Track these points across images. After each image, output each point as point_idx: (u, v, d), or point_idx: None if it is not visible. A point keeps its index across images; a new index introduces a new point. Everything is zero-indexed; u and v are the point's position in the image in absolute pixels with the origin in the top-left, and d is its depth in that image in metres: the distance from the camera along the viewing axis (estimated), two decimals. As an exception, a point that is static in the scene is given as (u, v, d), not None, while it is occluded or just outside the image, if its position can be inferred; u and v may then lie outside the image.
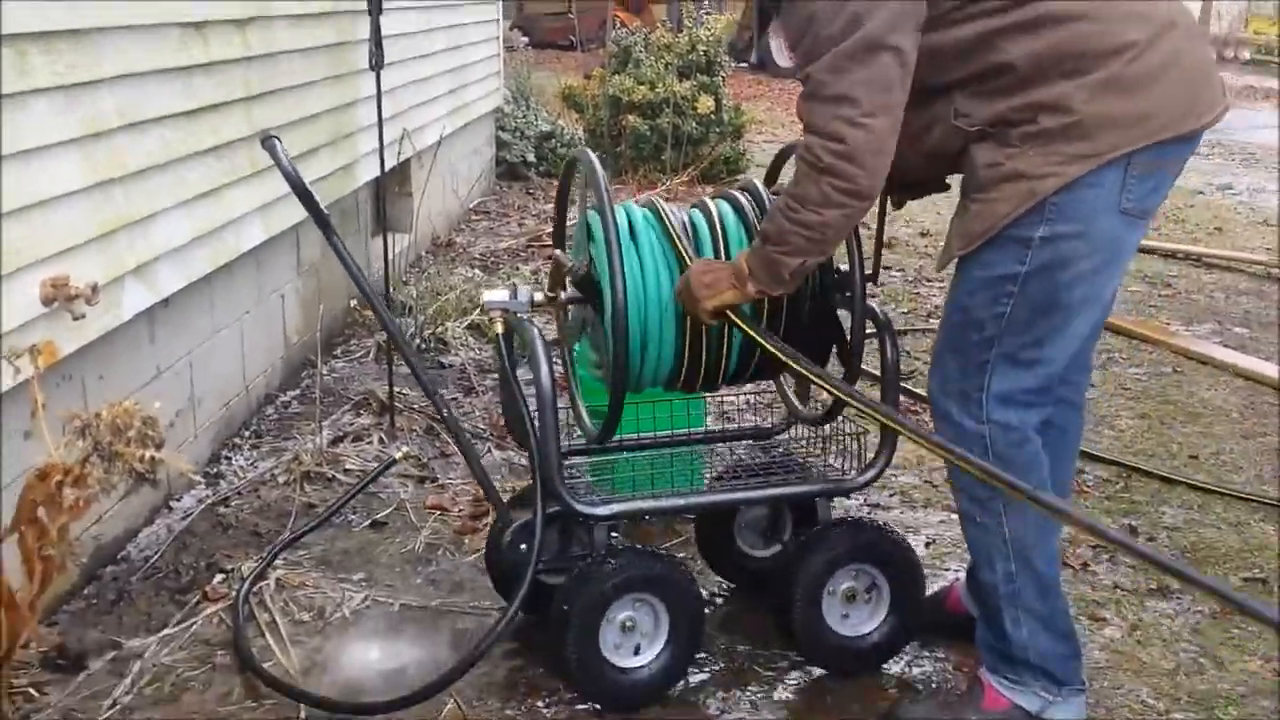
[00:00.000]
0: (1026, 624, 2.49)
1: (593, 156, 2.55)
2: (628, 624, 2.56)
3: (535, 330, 2.51)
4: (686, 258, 2.52)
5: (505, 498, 2.91)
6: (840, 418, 2.84)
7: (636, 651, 2.58)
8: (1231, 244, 7.82)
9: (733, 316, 2.47)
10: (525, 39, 18.02)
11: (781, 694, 2.71)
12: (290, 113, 4.28)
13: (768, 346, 2.47)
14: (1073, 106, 2.21)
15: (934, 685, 2.76)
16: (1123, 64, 2.20)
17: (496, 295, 2.57)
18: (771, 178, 2.92)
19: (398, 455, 3.32)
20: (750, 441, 3.09)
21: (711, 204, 2.69)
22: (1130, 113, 2.22)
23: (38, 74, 2.66)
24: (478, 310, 2.54)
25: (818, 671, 2.77)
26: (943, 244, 2.47)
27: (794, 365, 2.45)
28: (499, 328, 2.56)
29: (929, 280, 6.46)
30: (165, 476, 3.43)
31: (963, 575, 2.94)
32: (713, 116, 8.86)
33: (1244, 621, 3.09)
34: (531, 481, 2.66)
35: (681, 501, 2.70)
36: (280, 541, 3.17)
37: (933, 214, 7.63)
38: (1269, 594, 3.25)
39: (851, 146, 2.18)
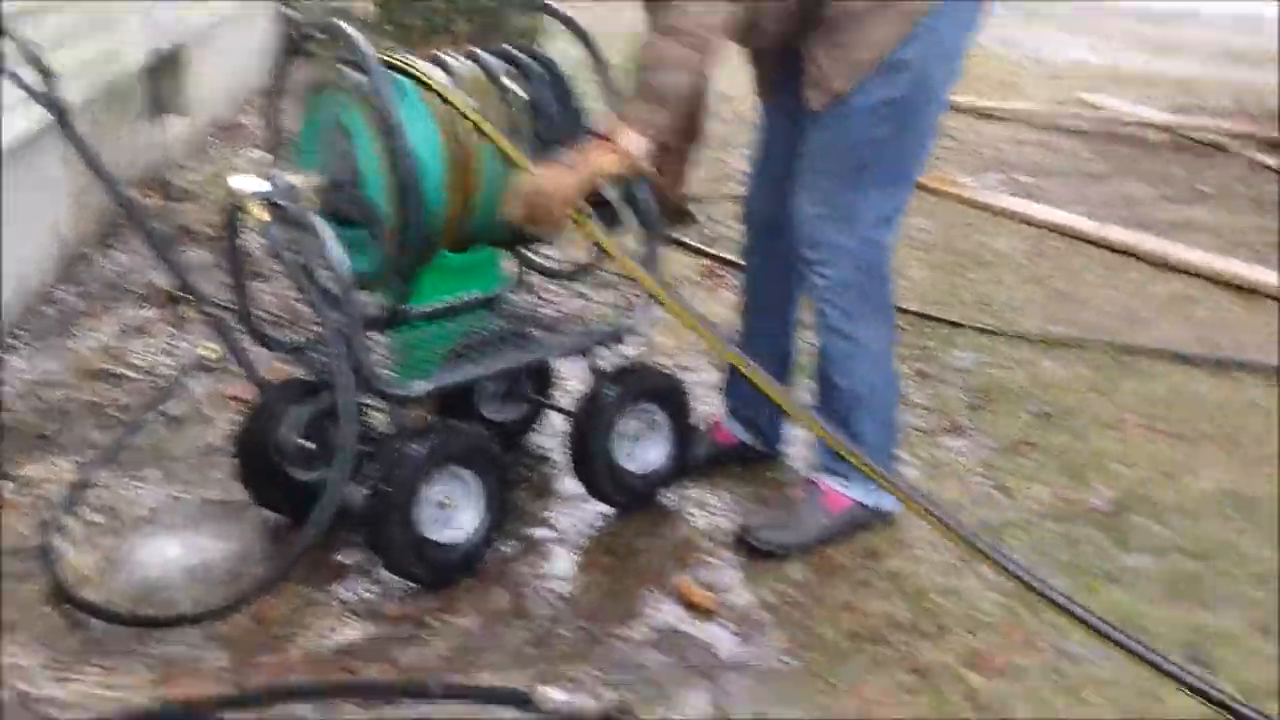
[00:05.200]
0: (876, 425, 2.69)
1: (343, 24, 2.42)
2: (443, 500, 2.52)
3: (321, 220, 2.39)
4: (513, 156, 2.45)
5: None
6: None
7: (451, 525, 2.55)
8: (1019, 97, 8.08)
9: (582, 217, 2.42)
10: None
11: (596, 556, 2.74)
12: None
13: (608, 248, 2.46)
14: None
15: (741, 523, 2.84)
16: None
17: (248, 183, 2.40)
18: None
19: (211, 355, 3.19)
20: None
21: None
22: None
23: None
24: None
25: (630, 531, 2.81)
26: (810, 87, 2.54)
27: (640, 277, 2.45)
28: (258, 213, 2.37)
29: (732, 146, 6.48)
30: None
31: (719, 410, 3.14)
32: (507, -15, 8.60)
33: (1031, 453, 3.26)
34: (318, 371, 2.57)
35: (483, 369, 2.66)
36: (106, 450, 3.02)
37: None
38: (1054, 428, 3.43)
39: None
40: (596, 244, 2.56)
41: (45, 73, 2.36)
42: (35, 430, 3.16)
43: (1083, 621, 1.97)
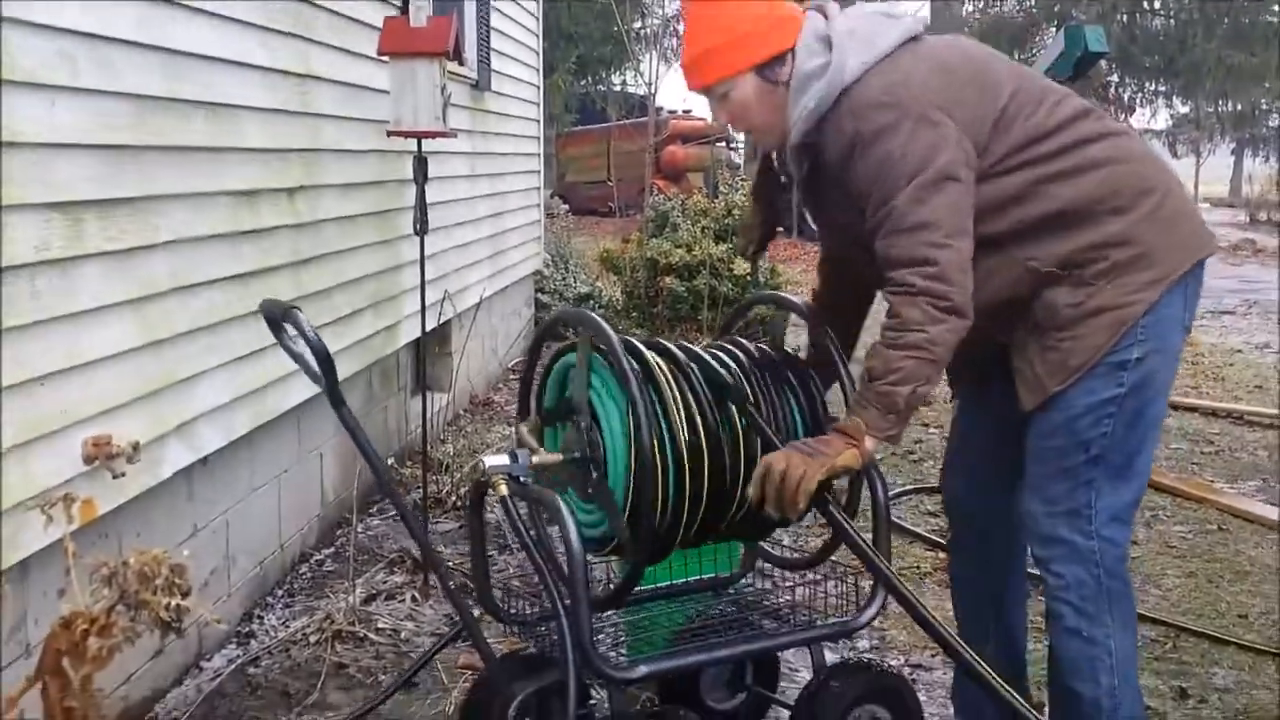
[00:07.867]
0: None
1: (593, 315, 2.57)
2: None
3: (557, 494, 2.50)
4: (775, 440, 2.53)
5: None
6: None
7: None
8: (1273, 401, 7.76)
9: (829, 498, 2.45)
10: (566, 206, 18.50)
11: None
12: (336, 276, 4.40)
13: (855, 536, 2.45)
14: (1138, 238, 2.45)
15: None
16: (1158, 198, 2.49)
17: (497, 460, 2.55)
18: (726, 329, 3.11)
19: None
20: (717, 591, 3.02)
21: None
22: (1180, 237, 2.51)
23: (91, 239, 2.77)
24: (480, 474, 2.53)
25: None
26: (1023, 387, 2.54)
27: (868, 553, 2.45)
28: (503, 490, 2.54)
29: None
30: (197, 635, 3.43)
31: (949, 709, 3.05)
32: (748, 278, 8.98)
33: None
34: (544, 648, 2.62)
35: (707, 656, 2.64)
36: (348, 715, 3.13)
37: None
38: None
39: (941, 266, 2.34)
40: (836, 531, 2.55)
41: (318, 350, 2.57)
42: (280, 688, 3.32)
43: None
